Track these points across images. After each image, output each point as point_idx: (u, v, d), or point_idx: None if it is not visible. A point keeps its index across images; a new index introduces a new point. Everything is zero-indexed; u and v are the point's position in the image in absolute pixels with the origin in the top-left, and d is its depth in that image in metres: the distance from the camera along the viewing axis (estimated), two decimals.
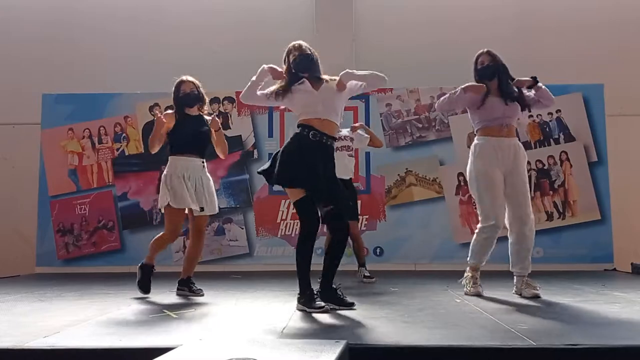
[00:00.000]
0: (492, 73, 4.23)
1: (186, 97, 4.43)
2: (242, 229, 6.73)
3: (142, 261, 4.38)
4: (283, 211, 6.71)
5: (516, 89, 4.23)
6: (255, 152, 6.88)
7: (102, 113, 7.07)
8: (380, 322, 3.06)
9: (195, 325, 3.08)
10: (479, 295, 4.12)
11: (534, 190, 6.76)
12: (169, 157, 4.37)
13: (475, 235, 4.24)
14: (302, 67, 3.64)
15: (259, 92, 3.77)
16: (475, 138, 4.27)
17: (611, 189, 6.69)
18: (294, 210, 6.75)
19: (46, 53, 7.62)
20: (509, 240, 4.22)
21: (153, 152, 4.41)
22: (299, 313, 3.44)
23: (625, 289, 4.61)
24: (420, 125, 6.85)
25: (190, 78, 4.49)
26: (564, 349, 2.39)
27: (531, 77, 4.31)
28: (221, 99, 6.82)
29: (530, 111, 4.59)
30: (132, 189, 6.96)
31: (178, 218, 4.28)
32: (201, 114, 4.49)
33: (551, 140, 6.82)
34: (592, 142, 6.77)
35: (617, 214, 6.67)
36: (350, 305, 3.50)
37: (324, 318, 3.27)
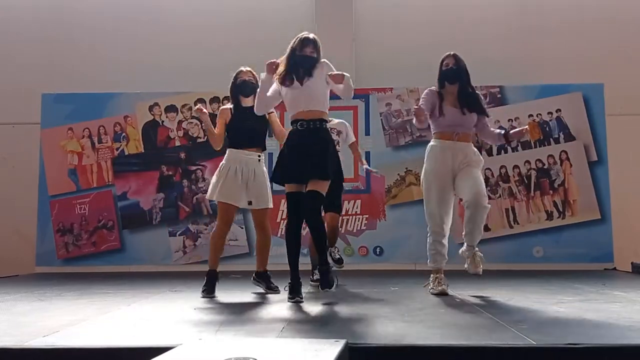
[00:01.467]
0: (454, 77, 4.23)
1: (243, 85, 4.38)
2: (242, 228, 6.73)
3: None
4: (283, 210, 6.70)
5: (475, 96, 4.27)
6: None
7: (102, 113, 7.06)
8: (379, 322, 3.06)
9: (195, 325, 3.07)
10: (444, 293, 4.09)
11: (533, 189, 6.76)
12: (227, 149, 4.38)
13: (428, 240, 4.24)
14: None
15: (269, 94, 3.86)
16: (431, 140, 4.32)
17: (611, 189, 6.68)
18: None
19: (46, 53, 7.62)
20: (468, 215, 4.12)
21: (218, 149, 4.42)
22: (298, 312, 3.44)
23: (626, 288, 4.61)
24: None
25: (248, 68, 4.44)
26: (564, 348, 2.39)
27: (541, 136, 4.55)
28: (221, 99, 6.81)
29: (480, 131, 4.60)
30: (132, 189, 6.96)
31: (226, 211, 4.30)
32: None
33: (551, 139, 6.82)
34: (592, 141, 6.76)
35: (617, 213, 6.66)
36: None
37: (324, 317, 3.27)
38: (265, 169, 4.46)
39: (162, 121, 7.04)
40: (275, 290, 4.34)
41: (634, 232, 6.91)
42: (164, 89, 7.08)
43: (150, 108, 7.05)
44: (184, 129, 7.02)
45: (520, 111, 6.85)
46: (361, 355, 2.36)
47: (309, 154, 3.74)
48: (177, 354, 2.10)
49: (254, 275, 4.51)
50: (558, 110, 6.83)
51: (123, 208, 6.93)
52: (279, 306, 3.72)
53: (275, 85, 3.88)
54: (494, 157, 6.82)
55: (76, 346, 2.56)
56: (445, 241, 4.22)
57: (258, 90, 3.90)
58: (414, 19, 7.53)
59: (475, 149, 4.34)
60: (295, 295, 3.77)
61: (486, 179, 6.78)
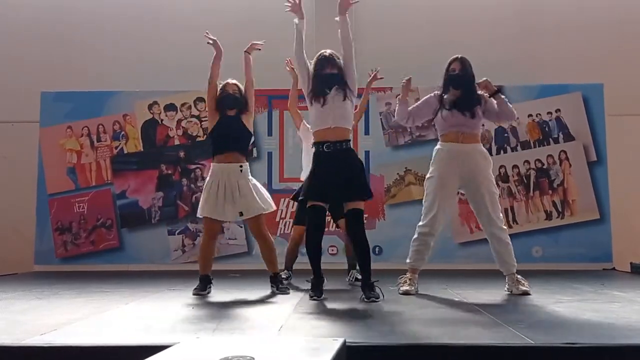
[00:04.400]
0: (459, 83, 4.23)
1: (226, 99, 4.42)
2: (241, 227, 6.72)
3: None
4: (282, 210, 6.71)
5: (479, 99, 4.25)
6: (255, 150, 6.87)
7: (101, 111, 7.05)
8: (378, 321, 3.06)
9: (193, 323, 3.07)
10: (408, 293, 4.09)
11: (533, 189, 6.76)
12: (212, 163, 4.43)
13: (415, 235, 4.28)
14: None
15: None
16: (438, 143, 4.35)
17: (610, 189, 6.68)
18: (293, 209, 6.75)
19: (45, 51, 7.60)
20: (489, 243, 4.27)
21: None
22: (296, 311, 3.43)
23: (624, 288, 4.61)
24: (420, 125, 6.82)
25: (234, 81, 4.52)
26: (562, 348, 2.39)
27: (496, 88, 4.32)
28: None
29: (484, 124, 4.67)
30: (131, 187, 6.95)
31: (211, 226, 4.38)
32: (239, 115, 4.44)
33: (550, 139, 6.82)
34: (591, 141, 6.76)
35: (616, 213, 6.66)
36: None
37: (322, 316, 3.27)
38: (250, 177, 4.41)
39: (162, 120, 7.03)
40: (284, 292, 4.32)
41: (633, 232, 6.90)
42: (163, 87, 7.07)
43: (150, 107, 7.04)
44: (183, 127, 7.01)
45: (520, 111, 6.76)
46: (359, 354, 2.35)
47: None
48: (175, 353, 2.09)
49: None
50: (557, 110, 6.83)
51: (122, 207, 6.92)
52: (277, 305, 3.72)
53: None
54: (494, 157, 6.72)
55: (74, 344, 2.55)
56: (432, 243, 4.24)
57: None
58: (413, 19, 7.52)
59: (484, 150, 4.32)
60: (316, 292, 3.87)
61: None
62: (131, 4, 7.75)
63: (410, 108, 4.42)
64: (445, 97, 4.27)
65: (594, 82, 6.83)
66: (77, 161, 7.02)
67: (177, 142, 7.01)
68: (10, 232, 7.24)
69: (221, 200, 4.26)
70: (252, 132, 4.53)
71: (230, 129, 4.34)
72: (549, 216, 6.72)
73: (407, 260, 4.30)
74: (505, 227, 4.23)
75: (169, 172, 6.95)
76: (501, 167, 6.79)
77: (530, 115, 6.82)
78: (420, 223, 4.24)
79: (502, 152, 6.82)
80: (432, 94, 4.37)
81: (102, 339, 2.66)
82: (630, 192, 7.01)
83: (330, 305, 3.68)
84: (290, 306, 3.62)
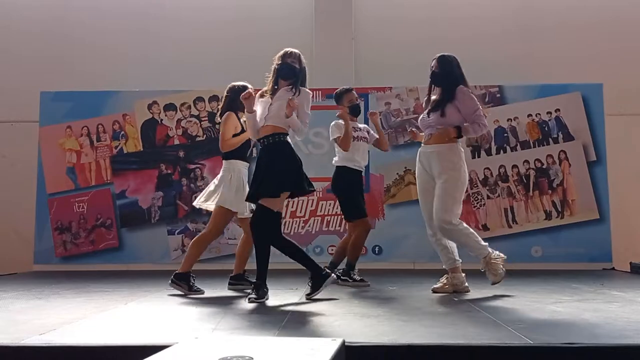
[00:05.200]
0: (435, 81, 4.31)
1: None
2: (240, 227, 6.70)
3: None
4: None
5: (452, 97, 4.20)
6: (254, 150, 6.86)
7: (101, 111, 7.05)
8: (377, 321, 3.06)
9: (192, 323, 3.07)
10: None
11: (532, 189, 6.76)
12: (230, 160, 4.52)
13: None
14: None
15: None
16: None
17: (610, 188, 6.68)
18: (293, 209, 6.72)
19: (44, 50, 7.61)
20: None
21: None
22: (295, 311, 3.43)
23: (624, 288, 4.61)
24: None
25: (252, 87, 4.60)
26: (562, 347, 2.39)
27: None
28: (220, 97, 6.79)
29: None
30: (130, 187, 6.95)
31: (226, 221, 4.63)
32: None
33: (550, 139, 6.82)
34: (591, 141, 6.76)
35: (616, 213, 6.66)
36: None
37: (321, 316, 3.27)
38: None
39: (161, 119, 7.03)
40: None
41: (632, 231, 6.91)
42: (163, 87, 7.07)
43: (149, 106, 7.04)
44: (182, 127, 7.01)
45: (519, 111, 6.85)
46: (358, 354, 2.35)
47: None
48: (174, 353, 2.09)
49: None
50: (557, 110, 6.82)
51: (122, 206, 6.92)
52: (276, 305, 3.72)
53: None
54: (493, 157, 6.82)
55: (73, 344, 2.55)
56: (444, 242, 4.36)
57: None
58: (413, 18, 7.52)
59: (451, 149, 4.22)
60: (259, 293, 3.84)
61: (485, 179, 6.79)
62: (131, 3, 7.75)
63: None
64: (433, 98, 4.33)
65: (593, 81, 6.82)
66: (77, 161, 7.02)
67: (176, 142, 7.00)
68: (9, 231, 7.25)
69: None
70: None
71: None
72: (548, 216, 6.72)
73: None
74: (455, 223, 4.17)
75: (169, 171, 6.95)
76: (501, 167, 6.79)
77: (529, 115, 6.82)
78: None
79: (501, 152, 6.82)
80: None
81: (102, 339, 2.66)
82: (630, 191, 7.01)
83: (329, 305, 3.68)
84: (289, 306, 3.62)
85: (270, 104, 3.91)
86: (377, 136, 5.17)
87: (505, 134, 6.84)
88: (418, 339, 2.58)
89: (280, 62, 3.96)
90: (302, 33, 7.36)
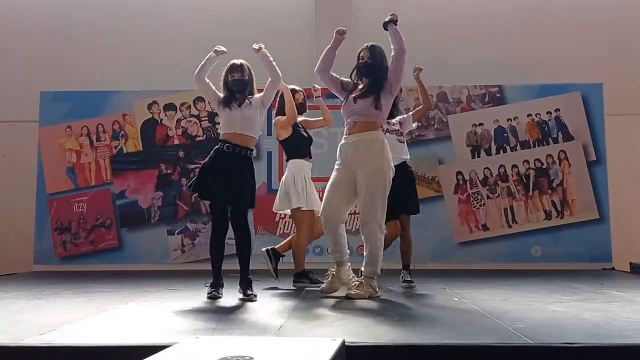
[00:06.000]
0: (366, 72, 4.08)
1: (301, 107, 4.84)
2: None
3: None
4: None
5: (381, 86, 4.03)
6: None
7: (100, 111, 7.05)
8: (377, 321, 3.06)
9: (192, 323, 3.07)
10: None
11: (532, 189, 6.76)
12: (292, 160, 4.73)
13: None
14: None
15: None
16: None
17: (610, 188, 6.68)
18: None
19: (44, 50, 7.60)
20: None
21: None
22: (295, 311, 3.43)
23: (624, 288, 4.61)
24: (420, 124, 6.82)
25: (300, 88, 4.92)
26: (561, 347, 2.39)
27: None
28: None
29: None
30: (130, 187, 6.95)
31: (308, 219, 4.67)
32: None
33: (550, 139, 6.82)
34: (590, 141, 6.76)
35: (616, 213, 6.67)
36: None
37: (321, 316, 3.27)
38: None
39: (161, 119, 7.03)
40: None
41: (632, 231, 6.91)
42: (163, 87, 7.07)
43: (149, 106, 7.04)
44: (182, 127, 7.01)
45: (519, 110, 6.85)
46: (358, 354, 2.35)
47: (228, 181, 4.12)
48: (173, 352, 2.09)
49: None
50: (557, 110, 6.83)
51: (121, 206, 6.92)
52: (276, 305, 3.72)
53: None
54: (493, 157, 6.82)
55: (72, 344, 2.55)
56: (342, 231, 4.09)
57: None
58: (413, 18, 7.49)
59: (380, 139, 3.97)
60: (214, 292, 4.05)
61: (485, 179, 6.79)
62: (131, 3, 7.74)
63: (332, 73, 4.18)
64: (359, 86, 4.12)
65: (593, 81, 6.83)
66: (77, 161, 7.02)
67: (176, 142, 7.00)
68: (9, 231, 7.24)
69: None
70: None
71: (306, 134, 4.84)
72: (548, 216, 6.72)
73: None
74: (379, 226, 3.93)
75: (169, 171, 6.95)
76: (500, 166, 6.79)
77: (529, 115, 6.83)
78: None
79: (501, 151, 6.82)
80: (349, 80, 4.21)
81: (101, 339, 2.66)
82: (630, 191, 7.01)
83: (329, 305, 3.68)
84: (289, 306, 3.62)
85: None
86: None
87: (505, 134, 6.85)
88: (418, 339, 2.58)
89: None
90: (302, 33, 7.36)
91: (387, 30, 4.23)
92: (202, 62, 4.29)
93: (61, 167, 6.99)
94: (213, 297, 4.00)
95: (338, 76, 4.18)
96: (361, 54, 4.15)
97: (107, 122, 7.04)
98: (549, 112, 6.83)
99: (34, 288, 4.83)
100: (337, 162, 4.08)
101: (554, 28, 7.45)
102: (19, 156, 7.37)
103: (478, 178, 6.79)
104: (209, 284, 4.14)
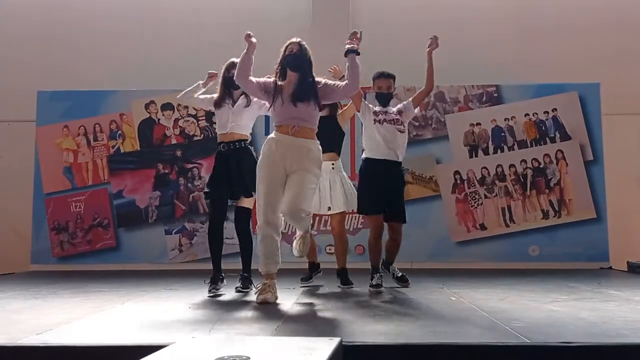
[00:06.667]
0: (297, 65, 3.88)
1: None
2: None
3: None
4: None
5: (313, 85, 3.89)
6: (253, 149, 6.85)
7: (98, 110, 7.04)
8: (374, 320, 3.06)
9: (189, 323, 3.07)
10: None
11: (529, 188, 6.77)
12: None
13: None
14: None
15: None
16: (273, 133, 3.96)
17: (607, 188, 6.69)
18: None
19: (41, 50, 7.59)
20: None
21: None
22: (293, 311, 3.43)
23: (621, 287, 4.62)
24: (417, 124, 6.83)
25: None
26: (559, 347, 2.39)
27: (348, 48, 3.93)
28: None
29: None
30: (127, 187, 6.94)
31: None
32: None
33: (547, 138, 6.82)
34: (588, 140, 6.77)
35: (613, 212, 6.68)
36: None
37: (318, 316, 3.27)
38: (344, 173, 4.79)
39: (158, 119, 7.02)
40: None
41: (629, 231, 6.92)
42: (160, 86, 7.05)
43: (147, 106, 7.03)
44: (180, 126, 7.00)
45: (516, 110, 6.86)
46: (355, 353, 2.35)
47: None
48: (171, 352, 2.09)
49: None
50: (554, 110, 6.83)
51: (119, 206, 6.91)
52: (273, 305, 3.71)
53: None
54: (490, 156, 6.83)
55: (70, 344, 2.55)
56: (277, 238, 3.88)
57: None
58: (410, 18, 7.51)
59: (317, 147, 3.89)
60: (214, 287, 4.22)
61: (482, 178, 6.80)
62: (129, 3, 7.73)
63: (252, 78, 3.93)
64: (281, 84, 3.92)
65: (590, 81, 6.83)
66: (74, 160, 7.01)
67: (174, 142, 7.00)
68: (7, 231, 7.23)
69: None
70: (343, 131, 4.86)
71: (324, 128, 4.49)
72: (545, 215, 6.73)
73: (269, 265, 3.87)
74: (308, 213, 3.86)
75: (166, 171, 6.94)
76: (498, 166, 6.80)
77: (527, 115, 6.83)
78: (258, 219, 3.87)
79: (499, 151, 6.83)
80: (270, 79, 3.99)
81: (99, 339, 2.65)
82: (627, 191, 7.02)
83: (326, 305, 3.68)
84: (286, 306, 3.62)
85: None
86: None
87: (503, 134, 6.85)
88: (415, 338, 2.58)
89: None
90: (300, 35, 7.30)
91: (346, 57, 3.92)
92: (188, 88, 4.53)
93: (58, 166, 6.98)
94: (213, 295, 4.08)
95: (255, 80, 3.94)
96: (289, 47, 3.94)
97: (104, 122, 7.03)
98: (546, 112, 6.83)
99: (31, 288, 4.83)
100: (268, 158, 3.86)
101: (551, 28, 7.46)
102: (16, 156, 7.35)
103: (475, 178, 6.80)
104: (208, 281, 4.23)
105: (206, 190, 4.43)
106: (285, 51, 3.97)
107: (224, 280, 4.38)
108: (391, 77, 4.70)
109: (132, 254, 6.85)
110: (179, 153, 6.97)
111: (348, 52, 3.94)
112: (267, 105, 4.00)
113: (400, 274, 4.65)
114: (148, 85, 7.11)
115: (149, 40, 7.55)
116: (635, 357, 2.41)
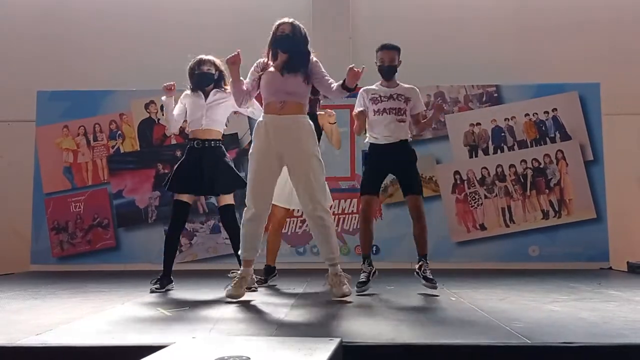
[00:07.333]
0: (287, 44, 3.80)
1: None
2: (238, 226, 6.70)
3: None
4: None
5: (307, 61, 3.80)
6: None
7: (97, 110, 7.03)
8: (374, 320, 3.06)
9: (189, 323, 3.06)
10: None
11: (529, 188, 6.77)
12: None
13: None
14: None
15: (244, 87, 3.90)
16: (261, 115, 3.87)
17: (607, 188, 6.69)
18: (291, 209, 6.74)
19: (41, 50, 7.58)
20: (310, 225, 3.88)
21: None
22: (293, 311, 3.43)
23: (621, 287, 4.61)
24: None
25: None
26: (559, 347, 2.39)
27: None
28: None
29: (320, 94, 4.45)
30: (127, 187, 6.93)
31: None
32: None
33: (547, 139, 6.82)
34: (588, 140, 6.77)
35: (613, 212, 6.67)
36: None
37: (318, 316, 3.26)
38: None
39: (158, 119, 7.01)
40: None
41: (629, 231, 6.92)
42: (160, 86, 7.02)
43: (146, 106, 7.02)
44: (180, 127, 6.98)
45: (516, 110, 6.86)
46: (355, 354, 2.35)
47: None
48: (171, 353, 2.09)
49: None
50: (554, 110, 6.83)
51: (118, 206, 6.91)
52: (273, 305, 3.71)
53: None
54: (490, 156, 6.82)
55: (69, 344, 2.54)
56: (260, 228, 3.85)
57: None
58: (411, 17, 7.51)
59: (308, 121, 3.78)
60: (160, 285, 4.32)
61: (482, 178, 6.80)
62: (128, 3, 7.73)
63: (243, 87, 3.87)
64: (271, 64, 3.84)
65: (590, 81, 6.83)
66: (74, 160, 7.00)
67: (173, 142, 6.99)
68: (6, 231, 7.22)
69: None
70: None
71: None
72: (545, 215, 6.72)
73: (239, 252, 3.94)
74: (328, 210, 3.79)
75: (166, 171, 6.92)
76: (498, 166, 6.80)
77: (527, 115, 6.83)
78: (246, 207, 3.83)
79: (498, 151, 6.82)
80: (255, 64, 3.93)
81: (98, 339, 2.64)
82: (627, 191, 7.02)
83: (326, 305, 3.67)
84: (286, 306, 3.61)
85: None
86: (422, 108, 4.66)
87: (503, 134, 6.85)
88: (415, 338, 2.58)
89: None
90: None
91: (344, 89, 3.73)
92: (165, 116, 4.68)
93: (58, 166, 6.97)
94: (152, 291, 4.26)
95: (246, 88, 3.88)
96: (280, 27, 3.86)
97: (104, 122, 7.03)
98: (546, 112, 6.83)
99: (30, 288, 4.82)
100: (258, 146, 3.78)
101: (551, 28, 7.46)
102: (16, 156, 7.35)
103: (475, 178, 6.80)
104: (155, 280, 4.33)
105: (170, 183, 4.41)
106: (276, 32, 3.87)
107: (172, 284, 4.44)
108: (395, 49, 4.38)
109: (132, 254, 6.85)
110: (179, 153, 6.95)
111: (343, 86, 3.69)
112: None
113: (429, 275, 4.19)
114: (148, 85, 7.09)
115: (149, 40, 7.54)
116: (636, 358, 2.41)
